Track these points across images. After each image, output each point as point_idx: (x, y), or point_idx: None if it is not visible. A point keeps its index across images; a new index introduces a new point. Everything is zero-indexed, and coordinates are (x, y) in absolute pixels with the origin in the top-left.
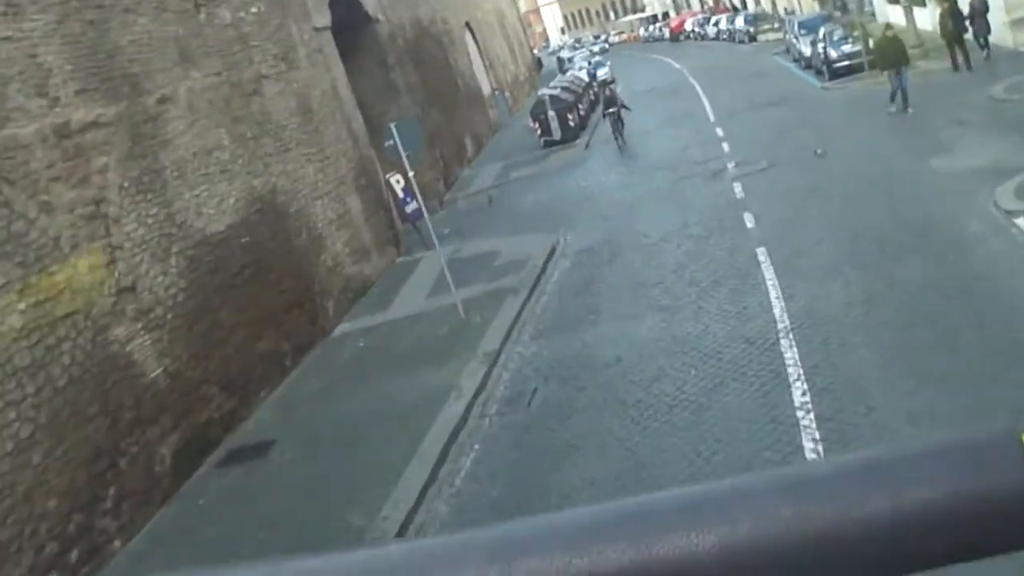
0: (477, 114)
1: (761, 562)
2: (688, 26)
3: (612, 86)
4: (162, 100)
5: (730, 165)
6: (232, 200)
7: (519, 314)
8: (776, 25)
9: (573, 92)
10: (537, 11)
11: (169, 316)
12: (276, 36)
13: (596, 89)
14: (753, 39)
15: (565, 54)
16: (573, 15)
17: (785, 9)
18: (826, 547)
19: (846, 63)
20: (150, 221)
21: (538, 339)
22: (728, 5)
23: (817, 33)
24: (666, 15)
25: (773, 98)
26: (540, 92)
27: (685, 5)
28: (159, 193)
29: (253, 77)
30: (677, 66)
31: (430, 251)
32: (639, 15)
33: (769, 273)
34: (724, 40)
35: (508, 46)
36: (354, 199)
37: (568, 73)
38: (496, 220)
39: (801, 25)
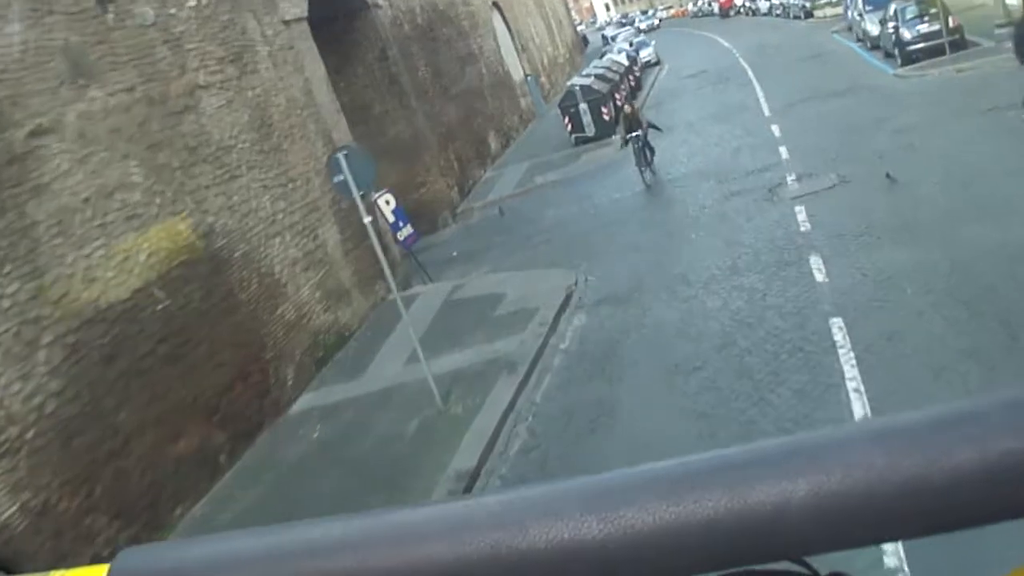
0: (505, 104)
1: (852, 510)
2: (739, 0)
3: (634, 102)
4: (36, 132)
5: (790, 178)
6: (144, 255)
7: (511, 406)
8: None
9: (608, 81)
10: None
11: (31, 435)
12: (224, 35)
13: (638, 73)
14: (809, 15)
15: (610, 32)
16: None
17: None
18: (916, 496)
19: (922, 45)
20: (5, 305)
21: (528, 454)
22: None
23: (887, 9)
24: None
25: (837, 87)
26: (571, 82)
27: None
28: (23, 261)
29: (185, 89)
30: (727, 45)
31: (430, 283)
32: None
33: (850, 366)
34: (777, 16)
35: (545, 25)
36: (330, 229)
37: (605, 57)
38: (511, 241)
39: (868, 1)
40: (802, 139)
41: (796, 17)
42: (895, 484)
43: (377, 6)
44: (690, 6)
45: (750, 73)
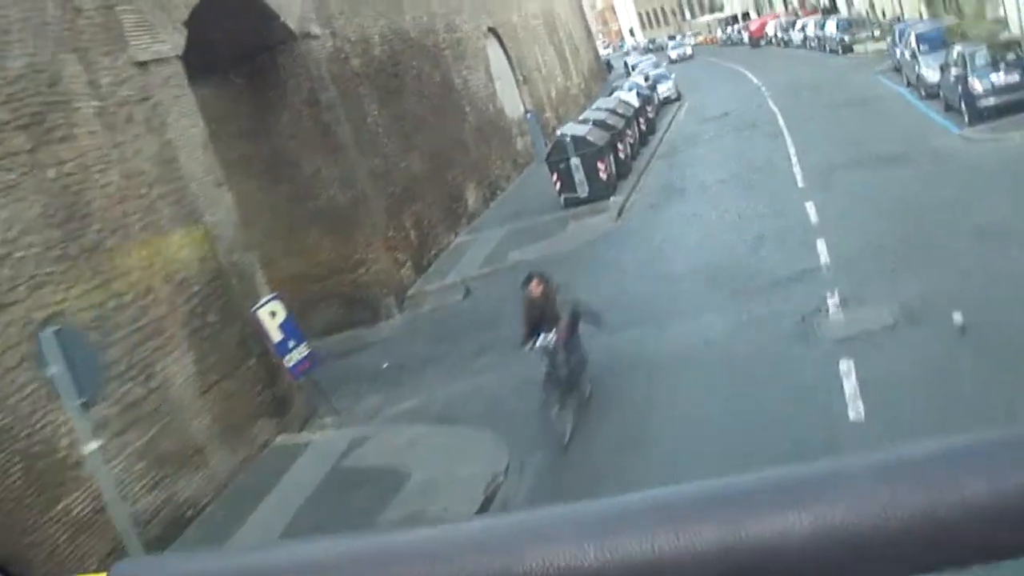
0: (494, 148)
1: (857, 545)
2: (770, 30)
3: (548, 280)
4: None
5: (831, 301)
6: None
7: None
8: (877, 33)
9: (610, 128)
10: (612, 8)
11: None
12: (11, 91)
13: (651, 114)
14: (848, 49)
15: (632, 59)
16: (648, 14)
17: (883, 13)
18: (922, 530)
19: (997, 101)
20: None
21: None
22: (816, 7)
23: (949, 52)
24: (746, 15)
25: (888, 149)
26: (562, 130)
27: (767, 6)
28: None
29: None
30: (755, 82)
31: (333, 423)
32: (717, 15)
33: None
34: (812, 48)
35: (557, 52)
36: (180, 361)
37: (614, 94)
38: (457, 355)
39: (922, 39)
40: (847, 230)
41: (833, 51)
42: (901, 519)
43: (310, 36)
44: (719, 33)
45: (780, 120)
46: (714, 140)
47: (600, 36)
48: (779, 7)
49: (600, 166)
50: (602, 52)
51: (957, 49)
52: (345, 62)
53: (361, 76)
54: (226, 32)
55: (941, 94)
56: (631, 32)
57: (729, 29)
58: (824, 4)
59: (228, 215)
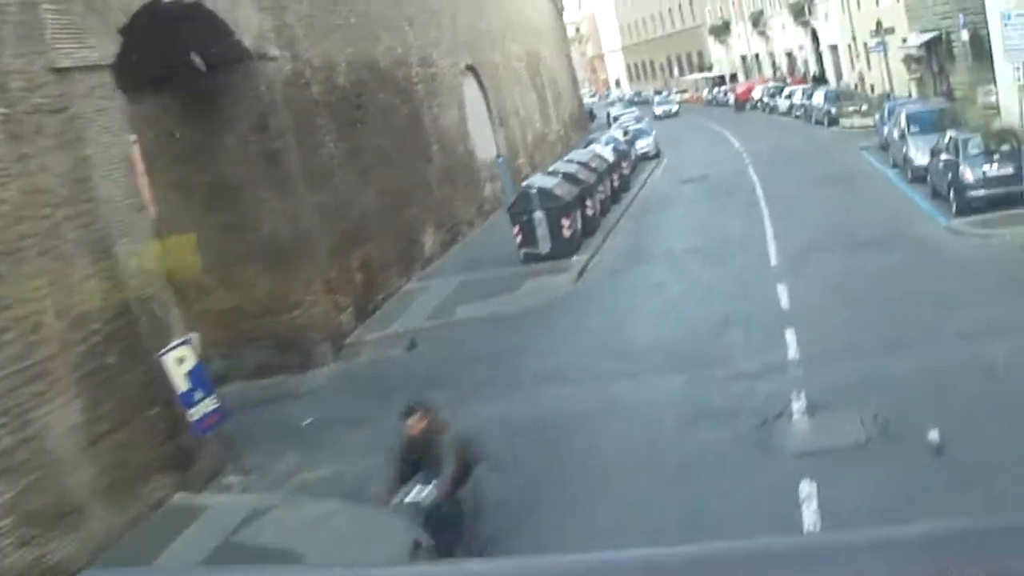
0: (460, 191)
1: None
2: (756, 94)
3: (434, 413)
4: None
5: (796, 405)
6: None
7: None
8: (864, 108)
9: (580, 182)
10: (602, 57)
11: None
12: None
13: (626, 171)
14: (834, 122)
15: (615, 111)
16: (636, 65)
17: (872, 88)
18: None
19: (987, 192)
20: None
21: None
22: (804, 75)
23: (941, 137)
24: (734, 77)
25: (870, 233)
26: (528, 182)
27: (756, 70)
28: None
29: None
30: (737, 146)
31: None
32: (705, 74)
33: None
34: (797, 117)
35: (538, 96)
36: (64, 408)
37: (589, 148)
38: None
39: (913, 120)
40: (819, 322)
41: (818, 122)
42: None
43: (266, 57)
44: (705, 92)
45: (759, 189)
46: (689, 204)
47: (587, 84)
48: (767, 72)
49: (565, 222)
50: (588, 100)
51: (950, 134)
52: (304, 88)
53: (320, 104)
54: (171, 44)
55: (929, 179)
56: (616, 83)
57: (716, 89)
58: (814, 73)
59: (145, 245)
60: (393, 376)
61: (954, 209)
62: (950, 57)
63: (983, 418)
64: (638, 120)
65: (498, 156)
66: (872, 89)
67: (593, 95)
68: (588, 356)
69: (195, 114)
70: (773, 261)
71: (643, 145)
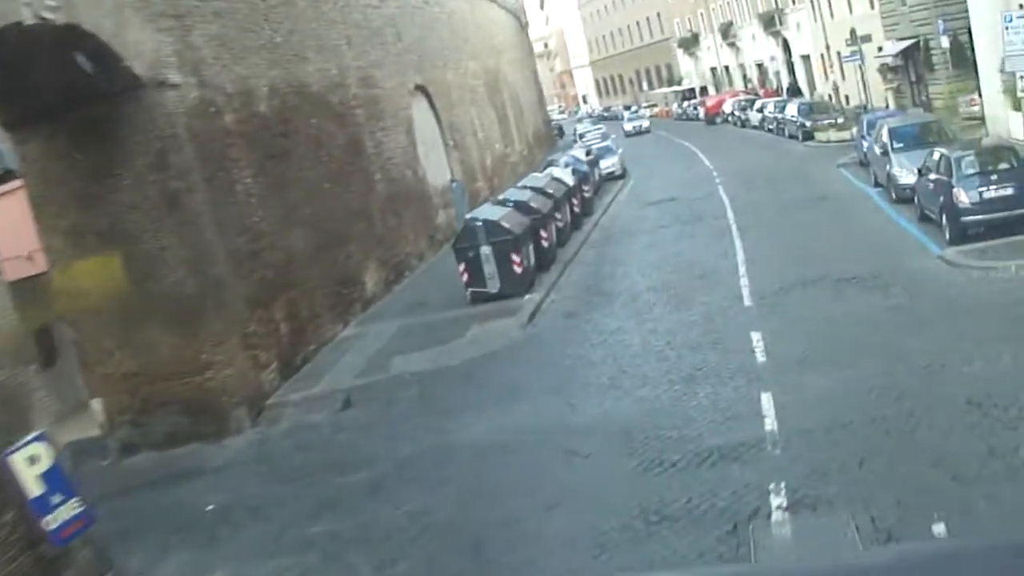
0: (408, 222)
1: None
2: (727, 108)
3: None
4: None
5: (775, 502)
6: None
7: None
8: (840, 121)
9: (533, 212)
10: (571, 72)
11: None
12: None
13: (588, 194)
14: (809, 136)
15: (582, 127)
16: (605, 81)
17: (847, 99)
18: None
19: (986, 217)
20: None
21: None
22: (777, 88)
23: (930, 155)
24: (704, 90)
25: (854, 267)
26: (472, 214)
27: (726, 82)
28: None
29: None
30: (708, 164)
31: None
32: (675, 88)
33: None
34: (770, 131)
35: (499, 116)
36: None
37: (547, 171)
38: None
39: (896, 135)
40: (803, 384)
41: (792, 136)
42: None
43: (166, 85)
44: (675, 107)
45: (730, 214)
46: (655, 232)
47: (556, 100)
48: (738, 84)
49: (515, 258)
50: (557, 116)
51: (941, 152)
52: (214, 118)
53: (235, 135)
54: (50, 73)
55: (917, 200)
56: (583, 99)
57: (686, 103)
58: (787, 85)
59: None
60: (311, 448)
61: (948, 236)
62: (929, 66)
63: (999, 512)
64: (604, 137)
65: (452, 181)
66: (847, 100)
67: (562, 111)
68: (527, 423)
69: (88, 152)
70: (746, 301)
71: (608, 165)
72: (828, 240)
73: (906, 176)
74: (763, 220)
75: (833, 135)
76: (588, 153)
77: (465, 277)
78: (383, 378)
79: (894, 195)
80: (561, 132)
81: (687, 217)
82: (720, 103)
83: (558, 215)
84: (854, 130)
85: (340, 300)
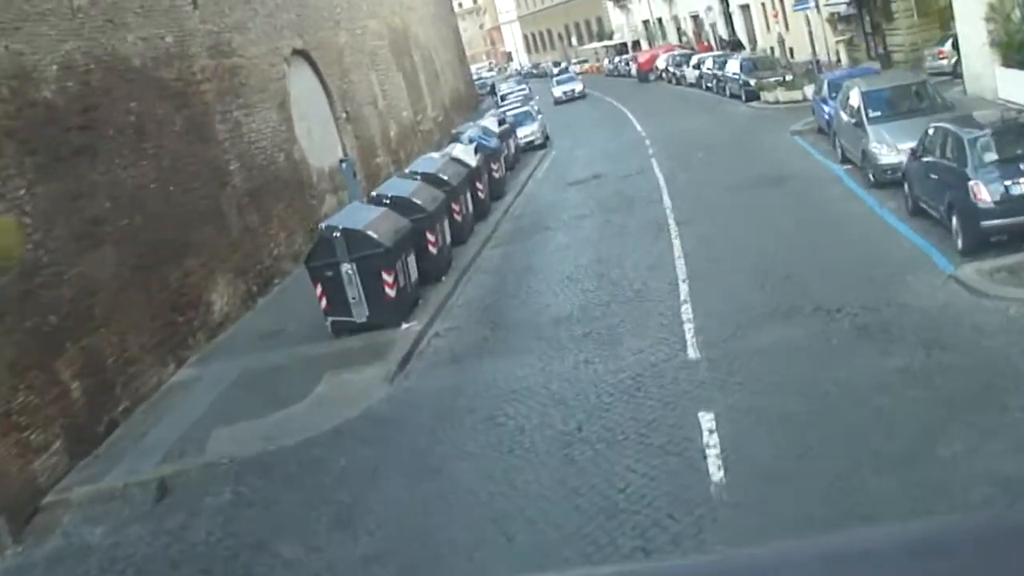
0: (280, 217)
1: None
2: (661, 63)
3: None
4: None
5: None
6: None
7: None
8: (788, 78)
9: (417, 210)
10: (499, 28)
11: None
12: None
13: (497, 173)
14: (754, 96)
15: (505, 87)
16: (534, 36)
17: (791, 52)
18: None
19: (1015, 221)
20: None
21: None
22: (713, 42)
23: (929, 134)
24: (637, 44)
25: (840, 289)
26: (329, 221)
27: (659, 36)
28: None
29: None
30: (639, 130)
31: None
32: (606, 42)
33: None
34: (708, 90)
35: (407, 80)
36: None
37: (446, 149)
38: None
39: (873, 102)
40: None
41: (735, 96)
42: None
43: None
44: (605, 62)
45: (666, 198)
46: (575, 224)
47: (487, 57)
48: (672, 38)
49: (386, 277)
50: (487, 75)
51: (945, 128)
52: None
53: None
54: None
55: (908, 189)
56: (509, 57)
57: (617, 59)
58: (729, 38)
59: None
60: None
61: (960, 245)
62: (886, 14)
63: None
64: (526, 100)
65: (342, 160)
66: (791, 54)
67: (492, 69)
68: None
69: None
70: (691, 351)
71: (527, 133)
72: (795, 244)
73: (888, 154)
74: (707, 209)
75: (781, 95)
76: (501, 122)
77: (323, 303)
78: (194, 466)
79: (872, 177)
80: (493, 90)
81: (615, 203)
82: (653, 58)
83: (455, 207)
84: (807, 89)
85: (173, 332)
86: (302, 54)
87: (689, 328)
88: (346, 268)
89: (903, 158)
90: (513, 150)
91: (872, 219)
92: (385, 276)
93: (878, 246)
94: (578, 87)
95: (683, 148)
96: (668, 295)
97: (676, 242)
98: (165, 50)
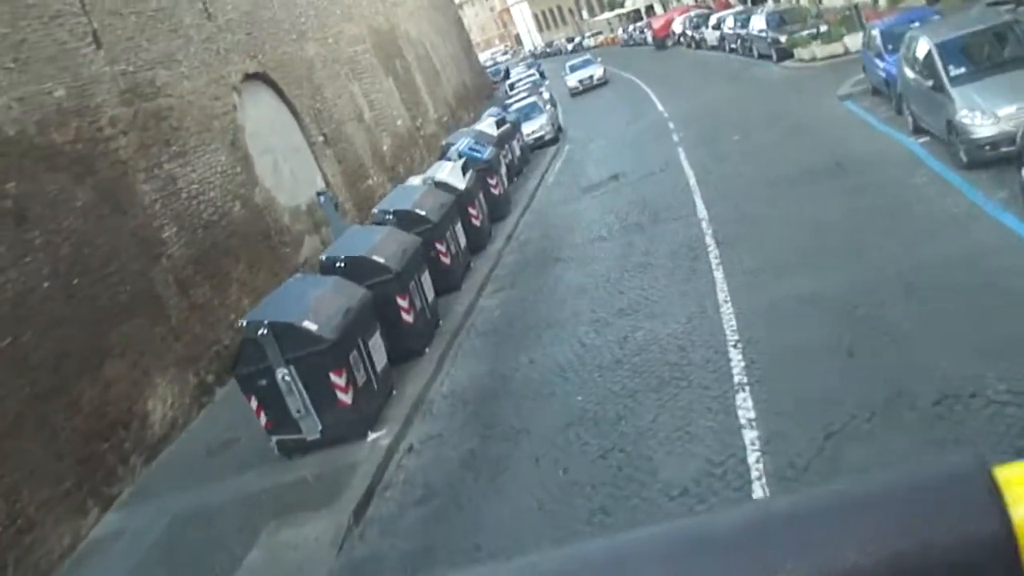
0: (240, 280)
1: None
2: (677, 27)
3: None
4: None
5: None
6: None
7: None
8: (823, 29)
9: (383, 268)
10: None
11: None
12: None
13: (497, 191)
14: (786, 54)
15: (515, 73)
16: (544, 14)
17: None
18: None
19: None
20: None
21: None
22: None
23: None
24: (651, 9)
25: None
26: (251, 315)
27: None
28: None
29: None
30: (661, 109)
31: None
32: (618, 11)
33: None
34: (733, 51)
35: (400, 84)
36: None
37: (437, 167)
38: None
39: (952, 56)
40: None
41: (764, 57)
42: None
43: None
44: (620, 32)
45: (700, 206)
46: (589, 250)
47: (499, 41)
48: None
49: (336, 379)
50: (503, 59)
51: None
52: None
53: None
54: None
55: None
56: (518, 39)
57: (632, 28)
58: None
59: None
60: None
61: None
62: None
63: None
64: (534, 88)
65: (320, 193)
66: (820, 1)
67: (506, 52)
68: None
69: None
70: (757, 487)
71: (534, 129)
72: (881, 274)
73: (984, 124)
74: (752, 221)
75: (818, 50)
76: (500, 124)
77: (263, 420)
78: None
79: (964, 156)
80: (507, 75)
81: (636, 217)
82: (668, 23)
83: (440, 248)
84: (847, 40)
85: (94, 468)
86: (259, 77)
87: (751, 437)
88: (282, 373)
89: (1005, 127)
90: (519, 152)
91: (982, 221)
92: (334, 378)
93: (1002, 265)
94: (597, 72)
95: (712, 129)
96: (714, 374)
97: (718, 277)
98: (55, 108)
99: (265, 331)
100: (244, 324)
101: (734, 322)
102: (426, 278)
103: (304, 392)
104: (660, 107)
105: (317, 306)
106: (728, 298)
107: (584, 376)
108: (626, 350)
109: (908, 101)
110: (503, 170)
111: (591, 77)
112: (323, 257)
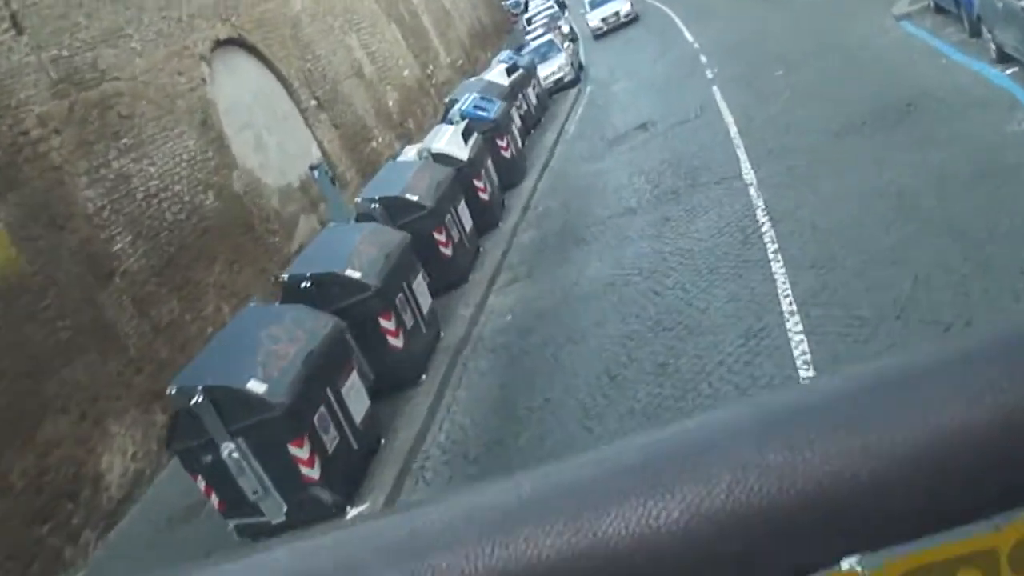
0: (217, 285)
1: (745, 533)
2: None
3: None
4: None
5: None
6: None
7: None
8: None
9: (361, 286)
10: None
11: None
12: None
13: (509, 152)
14: None
15: (533, 6)
16: None
17: None
18: (834, 506)
19: None
20: None
21: None
22: None
23: None
24: None
25: None
26: (180, 380)
27: None
28: None
29: None
30: (690, 39)
31: None
32: None
33: None
34: None
35: (405, 29)
36: None
37: (436, 131)
38: None
39: None
40: None
41: None
42: (806, 492)
43: None
44: None
45: (746, 166)
46: (616, 227)
47: None
48: None
49: (296, 451)
50: None
51: None
52: None
53: None
54: None
55: None
56: None
57: None
58: None
59: None
60: None
61: None
62: None
63: None
64: (552, 22)
65: (313, 167)
66: None
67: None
68: None
69: None
70: None
71: (552, 71)
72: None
73: None
74: (812, 186)
75: None
76: (512, 69)
77: (215, 502)
78: None
79: None
80: (527, 7)
81: (670, 181)
82: None
83: (439, 238)
84: None
85: (32, 557)
86: (234, 42)
87: None
88: (228, 449)
89: None
90: (535, 100)
91: None
92: (294, 450)
93: None
94: (624, 7)
95: (751, 63)
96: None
97: (777, 272)
98: None
99: (200, 398)
100: (171, 392)
101: (806, 346)
102: (419, 284)
103: (260, 468)
104: (689, 36)
105: (273, 346)
106: (795, 308)
107: (612, 419)
108: (666, 389)
109: (990, 22)
110: (515, 126)
111: (616, 14)
112: (284, 276)
